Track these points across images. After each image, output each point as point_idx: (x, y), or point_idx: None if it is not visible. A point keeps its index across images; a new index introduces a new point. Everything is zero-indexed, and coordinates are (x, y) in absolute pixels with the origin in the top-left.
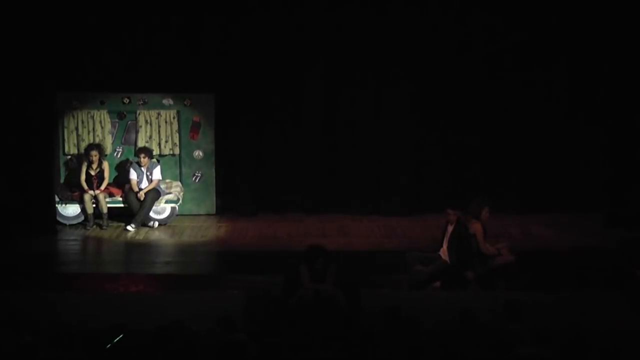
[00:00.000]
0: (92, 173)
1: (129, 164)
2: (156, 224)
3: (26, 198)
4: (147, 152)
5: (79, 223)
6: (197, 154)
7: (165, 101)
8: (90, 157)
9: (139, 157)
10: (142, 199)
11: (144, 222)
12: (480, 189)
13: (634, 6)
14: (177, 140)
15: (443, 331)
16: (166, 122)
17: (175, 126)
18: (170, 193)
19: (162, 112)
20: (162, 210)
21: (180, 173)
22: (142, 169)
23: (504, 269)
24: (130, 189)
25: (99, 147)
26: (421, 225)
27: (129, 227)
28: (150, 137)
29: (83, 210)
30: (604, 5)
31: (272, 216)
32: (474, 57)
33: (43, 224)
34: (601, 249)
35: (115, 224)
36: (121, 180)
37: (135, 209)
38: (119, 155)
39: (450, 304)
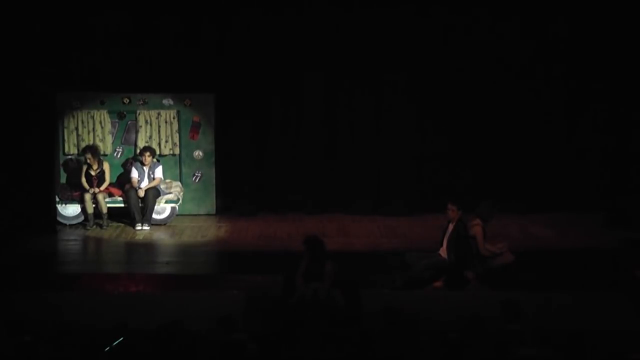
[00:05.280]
0: (93, 173)
1: (130, 163)
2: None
3: (26, 198)
4: (152, 151)
5: (79, 223)
6: (197, 154)
7: (165, 101)
8: (86, 160)
9: (143, 155)
10: (141, 195)
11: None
12: (480, 189)
13: (635, 10)
14: (177, 140)
15: (443, 331)
16: (166, 122)
17: (175, 126)
18: (170, 193)
19: (162, 112)
20: (162, 210)
21: (180, 173)
22: (144, 168)
23: (504, 269)
24: (131, 187)
25: (92, 148)
26: (421, 225)
27: (143, 228)
28: (150, 137)
29: (83, 210)
30: (605, 9)
31: (272, 216)
32: (474, 58)
33: (43, 224)
34: (601, 249)
35: (115, 224)
36: (122, 180)
37: (135, 207)
38: (119, 156)
39: (450, 304)
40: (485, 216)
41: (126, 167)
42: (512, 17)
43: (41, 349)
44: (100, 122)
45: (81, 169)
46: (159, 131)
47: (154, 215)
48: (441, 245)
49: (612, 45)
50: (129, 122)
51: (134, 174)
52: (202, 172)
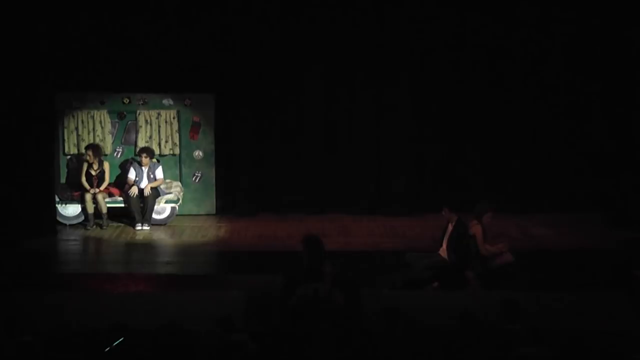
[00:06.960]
0: (93, 173)
1: (129, 163)
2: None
3: (26, 198)
4: (149, 152)
5: (79, 223)
6: (197, 154)
7: (165, 101)
8: (85, 157)
9: (140, 156)
10: (136, 192)
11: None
12: (480, 189)
13: (635, 9)
14: (177, 140)
15: (443, 331)
16: (166, 122)
17: (175, 126)
18: (170, 193)
19: (162, 112)
20: (162, 210)
21: (180, 173)
22: (143, 168)
23: (503, 269)
24: (130, 187)
25: (93, 147)
26: (421, 225)
27: (143, 228)
28: (150, 137)
29: (83, 210)
30: (605, 7)
31: (272, 216)
32: (474, 58)
33: (43, 224)
34: (601, 249)
35: (115, 224)
36: (122, 180)
37: (135, 207)
38: (119, 155)
39: (450, 304)
40: (478, 215)
41: (124, 167)
42: (513, 18)
43: (41, 349)
44: (100, 122)
45: (81, 168)
46: (159, 131)
47: (154, 215)
48: (441, 245)
49: (613, 46)
50: (129, 122)
51: (131, 174)
52: (202, 172)
